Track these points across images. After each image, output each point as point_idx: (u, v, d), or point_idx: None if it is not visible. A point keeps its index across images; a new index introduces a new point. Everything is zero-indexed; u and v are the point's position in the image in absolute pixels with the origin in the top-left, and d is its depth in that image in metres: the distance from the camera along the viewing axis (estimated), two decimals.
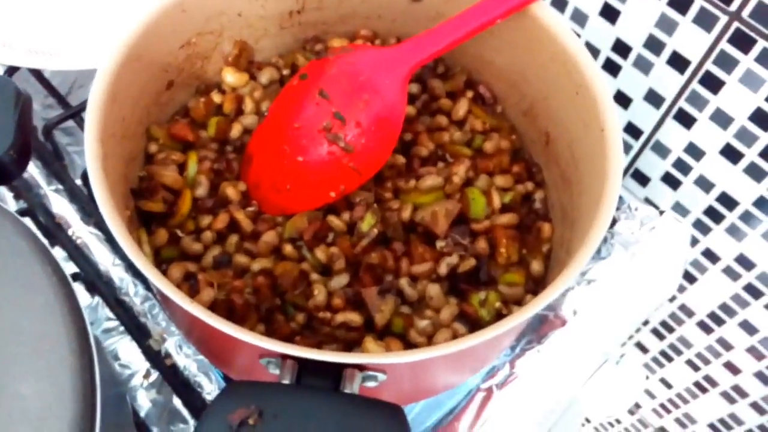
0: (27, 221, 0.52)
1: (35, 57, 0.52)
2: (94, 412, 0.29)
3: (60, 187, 0.54)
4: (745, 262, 0.60)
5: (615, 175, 0.37)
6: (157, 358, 0.49)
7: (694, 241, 0.62)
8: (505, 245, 0.44)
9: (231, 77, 0.49)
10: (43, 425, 0.28)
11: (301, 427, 0.30)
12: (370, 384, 0.35)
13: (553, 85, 0.44)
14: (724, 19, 0.49)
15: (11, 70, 0.54)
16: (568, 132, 0.44)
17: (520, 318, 0.34)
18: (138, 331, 0.50)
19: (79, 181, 0.54)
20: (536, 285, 0.44)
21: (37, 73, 0.57)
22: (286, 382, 0.33)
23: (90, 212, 0.54)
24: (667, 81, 0.55)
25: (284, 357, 0.34)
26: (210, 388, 0.48)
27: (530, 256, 0.45)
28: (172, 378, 0.48)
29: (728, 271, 0.62)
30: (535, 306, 0.35)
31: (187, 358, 0.49)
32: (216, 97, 0.49)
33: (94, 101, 0.36)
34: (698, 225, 0.61)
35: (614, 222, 0.52)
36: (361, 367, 0.34)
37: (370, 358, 0.33)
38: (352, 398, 0.32)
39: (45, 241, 0.51)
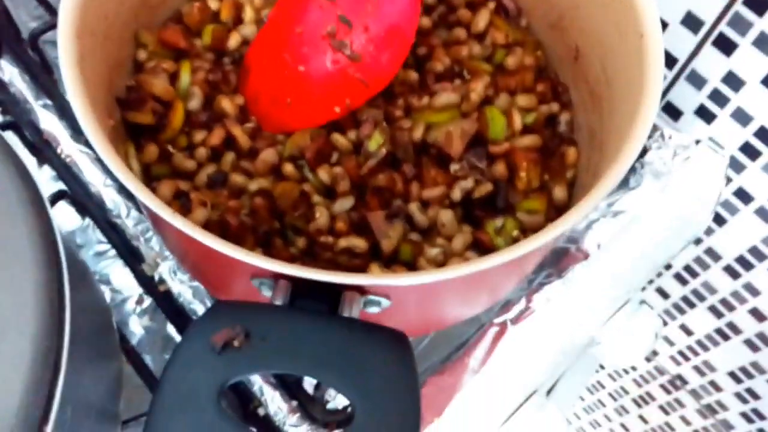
0: (11, 136, 0.49)
1: None
2: (62, 328, 0.26)
3: (49, 102, 0.51)
4: None
5: (654, 86, 0.33)
6: (150, 284, 0.46)
7: (727, 181, 0.59)
8: (525, 169, 0.41)
9: None
10: (2, 339, 0.25)
11: (292, 351, 0.27)
12: (373, 310, 0.32)
13: None
14: None
15: None
16: (601, 44, 0.39)
17: (535, 243, 0.31)
18: (131, 256, 0.47)
19: None
20: (558, 213, 0.41)
21: None
22: (278, 303, 0.29)
23: (80, 130, 0.50)
24: (707, 2, 0.51)
25: (277, 277, 0.31)
26: None
27: (553, 182, 0.42)
28: (166, 304, 0.46)
29: (761, 212, 0.59)
30: (553, 231, 0.31)
31: (181, 284, 0.46)
32: (212, 3, 0.45)
33: None
34: (732, 163, 0.57)
35: (645, 151, 0.48)
36: (362, 291, 0.31)
37: (372, 279, 0.30)
38: (351, 322, 0.29)
39: (30, 157, 0.49)
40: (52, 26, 0.49)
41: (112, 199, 0.49)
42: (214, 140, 0.41)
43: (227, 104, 0.42)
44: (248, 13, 0.45)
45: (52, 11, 0.50)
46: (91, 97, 0.34)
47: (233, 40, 0.44)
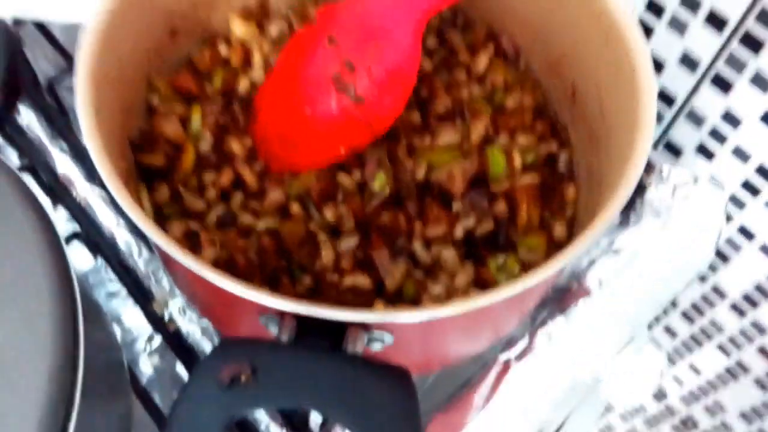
0: (29, 179, 0.51)
1: (37, 8, 0.50)
2: (76, 364, 0.27)
3: (64, 145, 0.52)
4: None
5: (647, 124, 0.35)
6: (160, 323, 0.47)
7: (729, 218, 0.59)
8: (525, 207, 0.42)
9: (239, 28, 0.46)
10: (19, 375, 0.26)
11: (297, 386, 0.28)
12: (376, 347, 0.33)
13: (581, 34, 0.41)
14: None
15: (17, 24, 0.53)
16: (597, 83, 0.41)
17: (534, 279, 0.31)
18: (141, 295, 0.48)
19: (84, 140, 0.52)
20: (559, 250, 0.41)
21: (44, 30, 0.55)
22: (284, 339, 0.30)
23: (95, 173, 0.52)
24: (703, 43, 0.52)
25: (283, 314, 0.31)
26: None
27: (553, 220, 0.43)
28: (175, 343, 0.47)
29: (765, 249, 0.59)
30: (551, 268, 0.32)
31: (190, 323, 0.47)
32: (222, 49, 0.46)
33: (89, 39, 0.34)
34: (733, 200, 0.59)
35: (644, 188, 0.49)
36: (366, 327, 0.31)
37: (374, 315, 0.30)
38: (354, 359, 0.30)
39: (45, 198, 0.50)
40: (69, 72, 0.50)
41: (124, 239, 0.50)
42: (224, 181, 0.42)
43: (236, 146, 0.43)
44: (257, 58, 0.46)
45: (69, 58, 0.52)
46: (105, 140, 0.35)
47: (242, 84, 0.46)
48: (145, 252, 0.49)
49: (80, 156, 0.52)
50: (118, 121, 0.39)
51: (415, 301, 0.40)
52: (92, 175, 0.52)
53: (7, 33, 0.34)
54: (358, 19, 0.41)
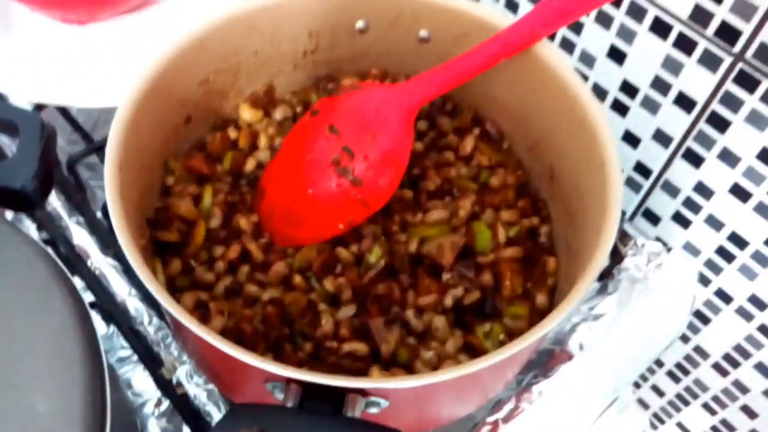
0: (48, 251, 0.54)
1: (62, 95, 0.55)
2: (104, 430, 0.30)
3: (81, 219, 0.56)
4: (757, 302, 0.60)
5: (614, 207, 0.38)
6: (168, 387, 0.50)
7: (707, 281, 0.62)
8: (509, 278, 0.45)
9: (247, 114, 0.51)
10: None
11: None
12: (373, 410, 0.36)
13: (557, 121, 0.46)
14: (728, 59, 0.50)
15: (39, 107, 0.57)
16: (572, 167, 0.45)
17: (518, 346, 0.35)
18: (151, 360, 0.51)
19: (99, 214, 0.56)
20: (541, 318, 0.45)
21: (63, 111, 0.60)
22: (289, 405, 0.33)
23: (109, 244, 0.55)
24: (674, 121, 0.56)
25: (288, 381, 0.34)
26: (219, 417, 0.49)
27: (535, 290, 0.46)
28: (183, 407, 0.49)
29: (741, 312, 0.62)
30: (533, 335, 0.35)
31: (197, 387, 0.50)
32: (232, 133, 0.51)
33: (115, 131, 0.39)
34: (710, 264, 0.61)
35: (621, 258, 0.53)
36: (363, 393, 0.34)
37: (371, 383, 0.34)
38: (354, 422, 0.33)
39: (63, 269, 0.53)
40: (89, 152, 0.54)
41: (135, 307, 0.53)
42: (232, 255, 0.46)
43: (244, 222, 0.47)
44: (263, 141, 0.51)
45: (89, 139, 0.56)
46: (128, 221, 0.38)
47: (249, 164, 0.50)
48: (155, 320, 0.53)
49: (95, 229, 0.56)
50: (137, 202, 0.42)
51: (408, 366, 0.43)
52: (106, 247, 0.55)
53: (43, 125, 0.37)
54: (357, 109, 0.45)
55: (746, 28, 0.48)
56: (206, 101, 0.49)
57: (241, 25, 0.46)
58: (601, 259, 0.37)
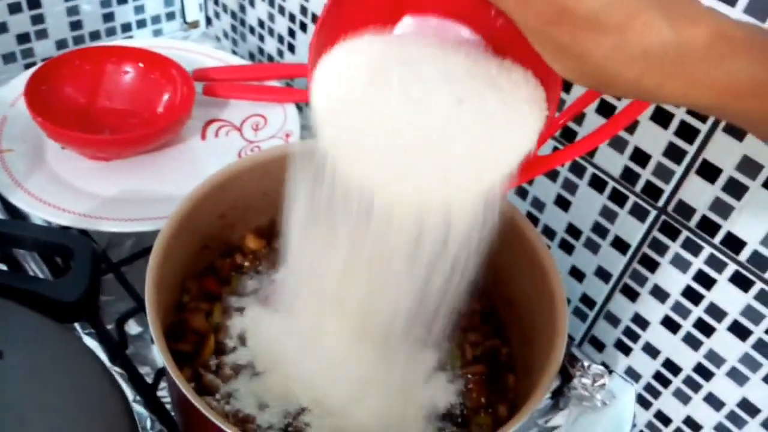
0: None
1: (85, 220, 0.62)
2: None
3: (92, 330, 0.62)
4: (692, 424, 0.63)
5: (561, 332, 0.46)
6: None
7: (647, 404, 0.66)
8: (475, 390, 0.52)
9: (252, 243, 0.59)
10: None
11: None
12: None
13: (515, 262, 0.54)
14: (653, 212, 0.57)
15: (64, 229, 0.64)
16: (526, 298, 0.53)
17: None
18: None
19: (110, 326, 0.62)
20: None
21: (118, 274, 0.66)
22: None
23: (116, 354, 0.61)
24: (612, 260, 0.63)
25: None
26: None
27: (496, 402, 0.52)
28: None
29: None
30: None
31: None
32: (239, 258, 0.58)
33: (155, 257, 0.46)
34: (649, 389, 0.65)
35: (571, 378, 0.60)
36: None
37: None
38: None
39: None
40: (135, 311, 0.61)
41: (138, 411, 0.58)
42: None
43: None
44: (263, 266, 0.59)
45: (139, 301, 0.62)
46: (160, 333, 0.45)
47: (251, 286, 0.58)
48: (157, 425, 0.58)
49: (105, 339, 0.61)
50: (162, 319, 0.49)
51: None
52: (114, 356, 0.61)
53: (94, 251, 0.45)
54: None
55: (666, 188, 0.55)
56: (220, 232, 0.57)
57: (256, 172, 0.55)
58: (550, 378, 0.44)
